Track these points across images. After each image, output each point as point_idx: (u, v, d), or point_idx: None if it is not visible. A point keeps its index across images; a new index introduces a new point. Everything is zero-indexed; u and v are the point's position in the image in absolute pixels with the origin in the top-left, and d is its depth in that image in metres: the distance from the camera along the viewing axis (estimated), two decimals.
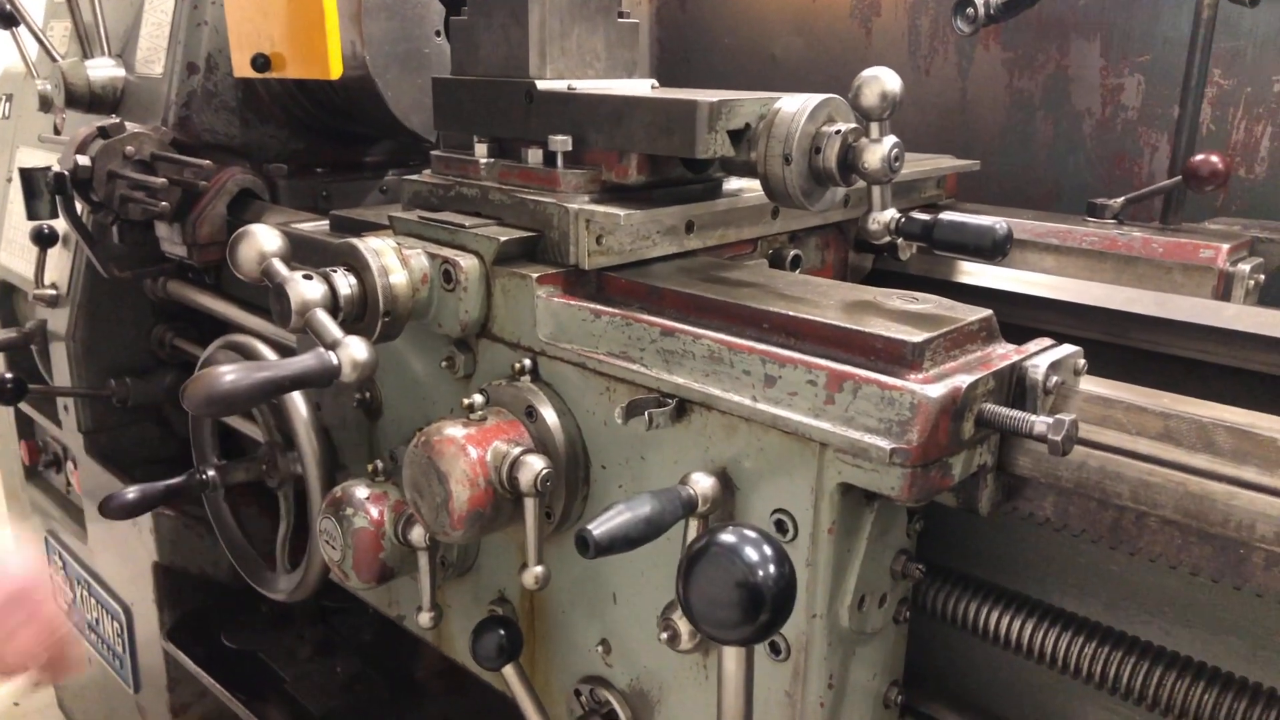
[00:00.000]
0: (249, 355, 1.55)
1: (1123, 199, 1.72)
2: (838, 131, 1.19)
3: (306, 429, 1.48)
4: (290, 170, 2.06)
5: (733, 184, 1.43)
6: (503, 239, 1.24)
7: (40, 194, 1.90)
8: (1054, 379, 1.00)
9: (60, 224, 2.09)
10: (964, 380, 0.94)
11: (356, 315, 1.23)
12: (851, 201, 1.53)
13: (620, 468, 1.18)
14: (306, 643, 2.21)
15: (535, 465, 1.13)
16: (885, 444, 0.91)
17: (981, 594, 1.14)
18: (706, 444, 1.08)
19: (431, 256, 1.26)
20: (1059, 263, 1.63)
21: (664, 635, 1.09)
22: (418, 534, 1.30)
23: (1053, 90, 2.19)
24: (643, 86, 1.45)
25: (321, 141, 2.14)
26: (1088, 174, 2.16)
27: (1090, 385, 1.03)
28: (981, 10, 2.02)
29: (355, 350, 1.14)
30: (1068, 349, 1.04)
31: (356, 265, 1.22)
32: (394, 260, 1.23)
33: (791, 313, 1.06)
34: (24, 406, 2.65)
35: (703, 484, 1.03)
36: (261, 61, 1.77)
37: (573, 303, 1.19)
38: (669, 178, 1.35)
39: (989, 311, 1.07)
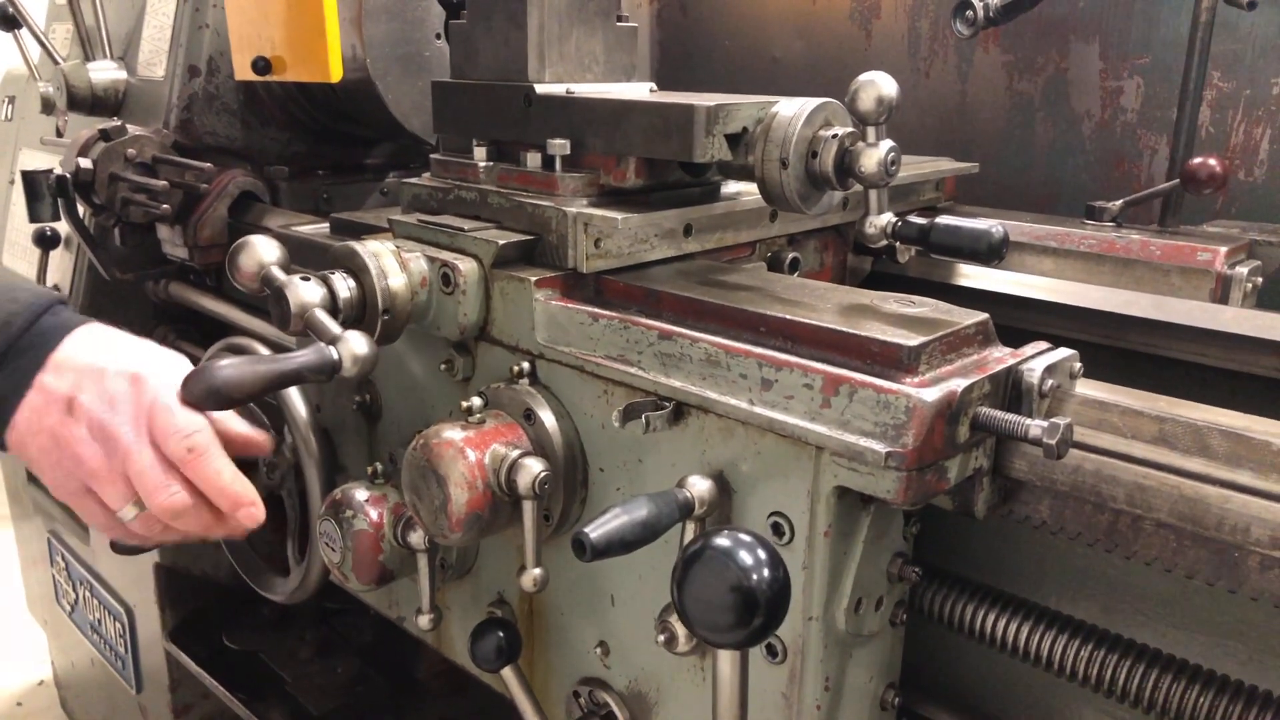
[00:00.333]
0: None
1: (1121, 202, 1.72)
2: (834, 135, 1.19)
3: (306, 431, 1.49)
4: (291, 172, 2.07)
5: (731, 187, 1.43)
6: (501, 242, 1.24)
7: (42, 196, 1.91)
8: (1049, 382, 1.00)
9: (62, 226, 2.10)
10: (959, 384, 0.95)
11: (355, 318, 1.23)
12: (850, 204, 1.54)
13: (618, 470, 1.18)
14: (308, 643, 2.22)
15: (533, 468, 1.14)
16: (881, 447, 0.92)
17: (978, 597, 1.14)
18: (704, 447, 1.08)
19: (430, 260, 1.26)
20: (1057, 265, 1.64)
21: (661, 638, 1.10)
22: (417, 536, 1.31)
23: (1052, 93, 2.19)
24: (641, 90, 1.45)
25: (322, 144, 2.14)
26: (1087, 176, 2.16)
27: (1086, 389, 1.03)
28: (981, 13, 2.03)
29: (355, 345, 1.15)
30: (1063, 352, 1.04)
31: (355, 268, 1.23)
32: (393, 263, 1.23)
33: (788, 316, 1.06)
34: None
35: (699, 487, 1.04)
36: (262, 65, 1.78)
37: (571, 306, 1.19)
38: (667, 181, 1.35)
39: (985, 315, 1.08)
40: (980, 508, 1.03)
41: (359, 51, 1.88)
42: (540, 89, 1.34)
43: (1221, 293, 1.49)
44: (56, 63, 2.19)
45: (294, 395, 1.50)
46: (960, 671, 1.26)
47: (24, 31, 2.23)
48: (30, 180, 1.90)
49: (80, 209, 1.93)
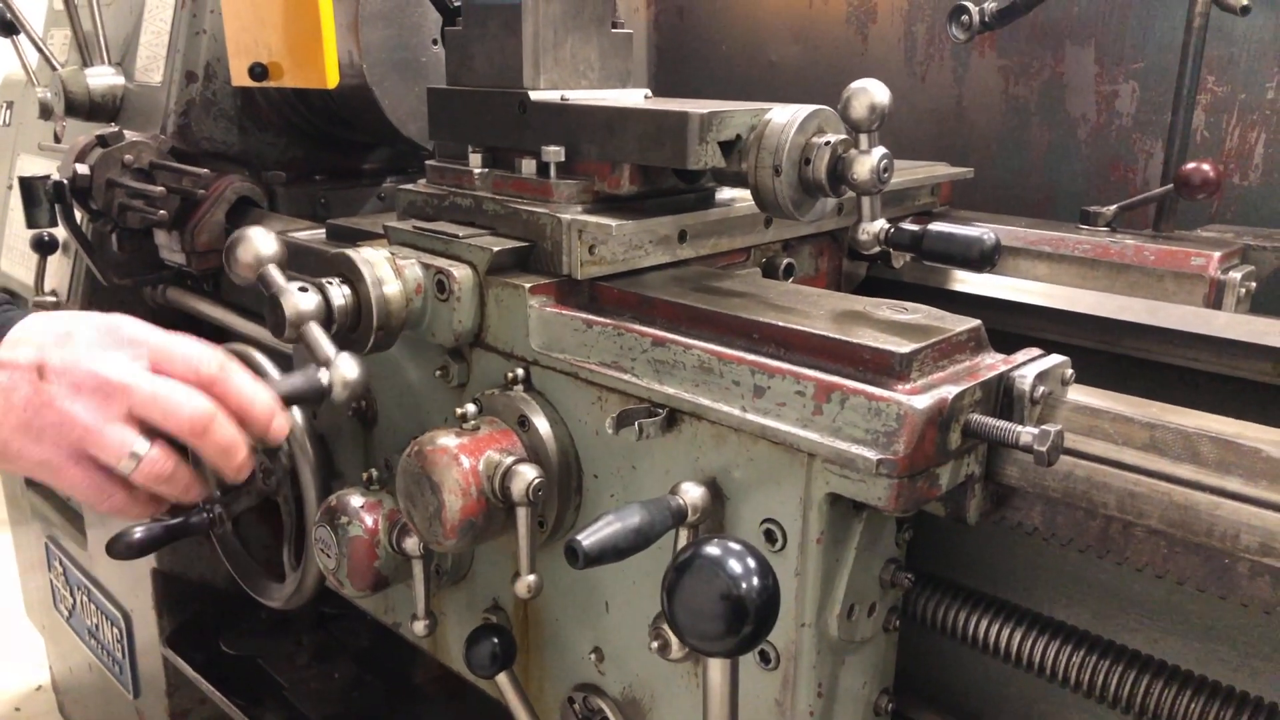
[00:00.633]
0: (246, 363, 1.55)
1: (1115, 207, 1.72)
2: (827, 143, 1.19)
3: (301, 437, 1.49)
4: (289, 178, 2.07)
5: (726, 193, 1.44)
6: (496, 249, 1.25)
7: (40, 202, 1.91)
8: (1041, 389, 1.01)
9: (60, 232, 2.10)
10: (951, 391, 0.95)
11: (350, 325, 1.24)
12: (845, 209, 1.54)
13: (612, 477, 1.19)
14: (305, 649, 2.22)
15: (527, 475, 1.14)
16: (872, 454, 0.92)
17: (971, 602, 1.14)
18: (697, 454, 1.08)
19: (425, 266, 1.27)
20: (1052, 270, 1.64)
21: (655, 644, 1.10)
22: (412, 543, 1.31)
23: (1048, 97, 2.20)
24: (635, 96, 1.45)
25: (320, 149, 2.15)
26: (1083, 180, 2.16)
27: (1078, 395, 1.03)
28: (976, 18, 2.03)
29: (346, 369, 1.16)
30: (1055, 359, 1.05)
31: (350, 275, 1.23)
32: (388, 270, 1.24)
33: (781, 323, 1.07)
34: None
35: (692, 494, 1.04)
36: (259, 71, 1.78)
37: (565, 313, 1.20)
38: (662, 188, 1.36)
39: (977, 322, 1.08)
40: (972, 514, 1.03)
41: (355, 57, 1.88)
42: (535, 96, 1.34)
43: (1215, 298, 1.49)
44: (54, 68, 2.19)
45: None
46: (954, 677, 1.26)
47: (22, 37, 2.24)
48: (28, 186, 1.90)
49: (78, 215, 1.94)
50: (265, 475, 1.64)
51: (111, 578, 2.49)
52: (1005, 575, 1.19)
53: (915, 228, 1.27)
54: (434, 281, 1.26)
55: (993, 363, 1.04)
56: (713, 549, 0.77)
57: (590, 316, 1.17)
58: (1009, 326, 1.58)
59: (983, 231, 1.24)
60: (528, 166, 1.33)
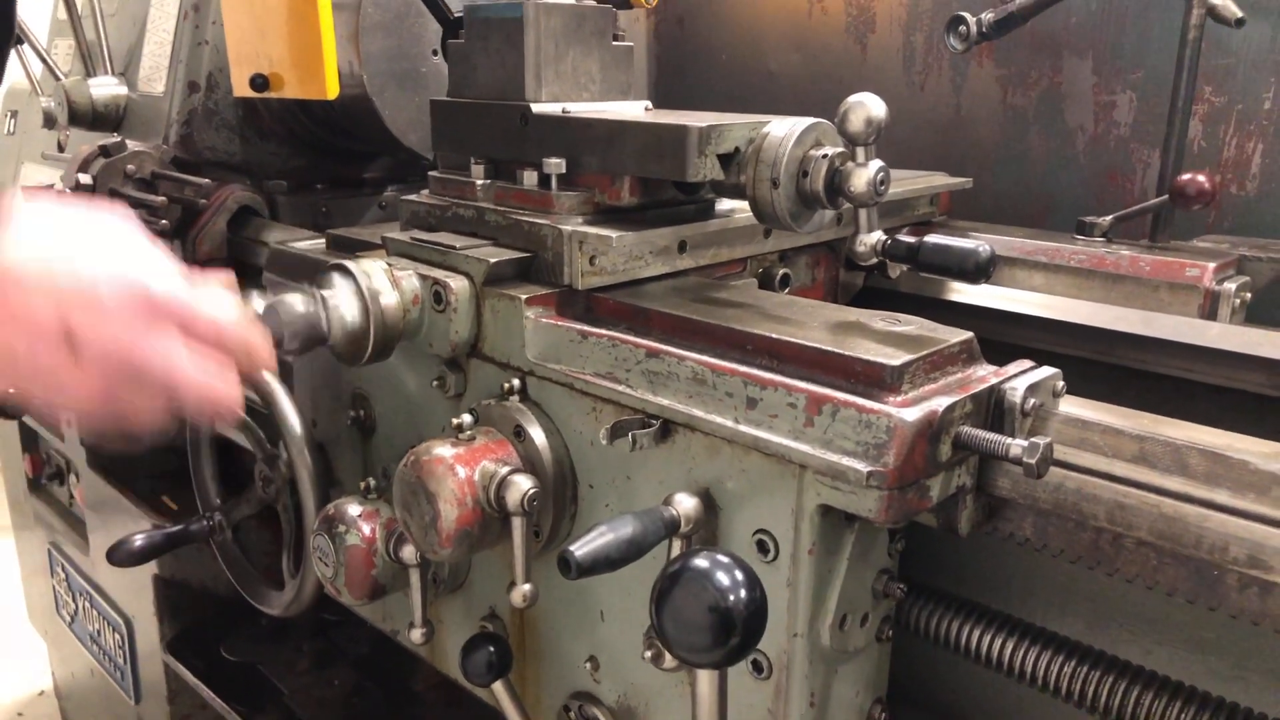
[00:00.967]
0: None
1: (1111, 217, 1.73)
2: (825, 155, 1.20)
3: (301, 445, 1.50)
4: (290, 187, 2.08)
5: (725, 204, 1.45)
6: (492, 260, 1.26)
7: None
8: (1032, 401, 1.01)
9: None
10: (941, 403, 0.96)
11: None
12: (844, 220, 1.54)
13: (607, 487, 1.19)
14: (305, 655, 2.23)
15: (522, 485, 1.15)
16: (862, 466, 0.93)
17: (964, 613, 1.15)
18: (690, 465, 1.09)
19: (423, 278, 1.28)
20: (1048, 281, 1.65)
21: (648, 654, 1.11)
22: (409, 551, 1.32)
23: (1046, 107, 2.20)
24: (636, 109, 1.46)
25: (321, 158, 2.16)
26: (1081, 190, 2.17)
27: (1069, 407, 1.04)
28: (974, 28, 2.04)
29: (345, 310, 1.19)
30: (1046, 371, 1.05)
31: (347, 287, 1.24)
32: (385, 281, 1.25)
33: (775, 335, 1.07)
34: (27, 419, 2.68)
35: (685, 504, 1.05)
36: (260, 82, 1.80)
37: (560, 324, 1.20)
38: (662, 199, 1.37)
39: (970, 334, 1.09)
40: (964, 525, 1.04)
41: (356, 68, 1.90)
42: (536, 108, 1.35)
43: (1210, 308, 1.50)
44: (58, 78, 2.21)
45: (289, 410, 1.51)
46: (948, 687, 1.26)
47: (26, 47, 2.25)
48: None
49: None
50: (265, 483, 1.65)
51: (113, 584, 2.50)
52: (998, 586, 1.19)
53: (911, 239, 1.28)
54: (431, 292, 1.27)
55: (984, 375, 1.05)
56: (701, 561, 0.77)
57: (585, 328, 1.18)
58: (1005, 337, 1.59)
59: (978, 243, 1.24)
60: (529, 178, 1.34)
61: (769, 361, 1.07)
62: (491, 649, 1.28)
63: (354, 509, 1.36)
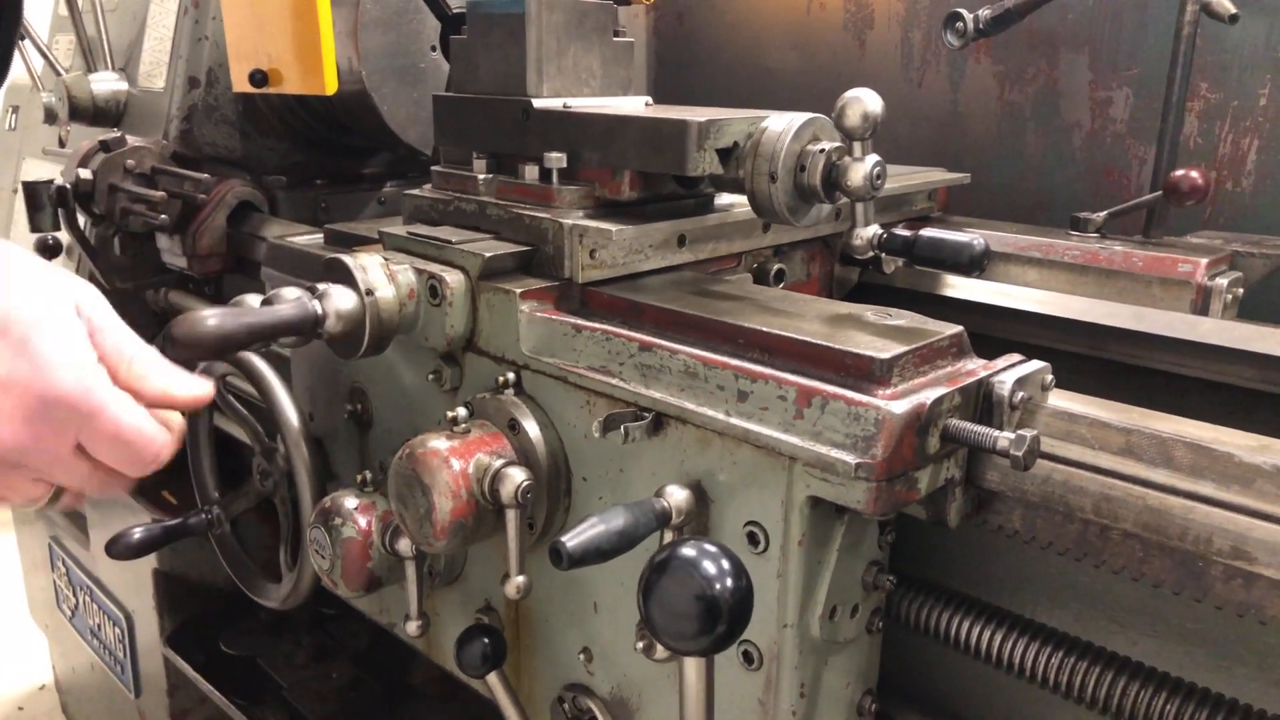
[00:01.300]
0: (243, 368, 1.58)
1: (1105, 213, 1.74)
2: (822, 150, 1.21)
3: (298, 438, 1.51)
4: (289, 182, 2.09)
5: (724, 198, 1.45)
6: (488, 255, 1.26)
7: (43, 206, 1.94)
8: (1020, 394, 1.02)
9: (63, 235, 2.13)
10: (929, 396, 0.96)
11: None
12: (842, 215, 1.55)
13: (601, 479, 1.20)
14: (304, 649, 2.24)
15: (516, 477, 1.16)
16: (850, 458, 0.93)
17: (954, 604, 1.15)
18: (682, 457, 1.10)
19: (419, 272, 1.29)
20: (1042, 276, 1.66)
21: (640, 645, 1.11)
22: (405, 544, 1.33)
23: (1042, 103, 2.21)
24: (636, 104, 1.47)
25: (321, 154, 2.17)
26: (1077, 186, 2.18)
27: (1057, 400, 1.05)
28: (971, 24, 2.05)
29: (339, 299, 1.17)
30: (1035, 365, 1.06)
31: (344, 280, 1.25)
32: (381, 276, 1.26)
33: (766, 329, 1.08)
34: None
35: (676, 496, 1.06)
36: (259, 77, 1.81)
37: (555, 317, 1.21)
38: (661, 193, 1.38)
39: (960, 328, 1.09)
40: (953, 517, 1.04)
41: (355, 63, 1.90)
42: (538, 103, 1.36)
43: (1202, 304, 1.50)
44: (59, 74, 2.22)
45: (287, 404, 1.52)
46: (938, 678, 1.27)
47: (27, 43, 2.26)
48: (31, 190, 1.93)
49: (81, 219, 1.96)
50: (263, 477, 1.66)
51: (113, 578, 2.51)
52: (988, 578, 1.20)
53: (907, 233, 1.28)
54: (427, 287, 1.28)
55: (973, 368, 1.06)
56: (687, 550, 0.78)
57: (579, 321, 1.19)
58: (999, 331, 1.59)
59: (972, 237, 1.25)
60: (530, 172, 1.36)
61: (760, 355, 1.07)
62: (486, 641, 1.28)
63: (350, 502, 1.37)
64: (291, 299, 1.19)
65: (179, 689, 2.33)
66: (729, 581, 0.77)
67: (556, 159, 1.32)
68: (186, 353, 1.08)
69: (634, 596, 1.19)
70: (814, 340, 1.04)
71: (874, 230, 1.28)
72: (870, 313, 1.16)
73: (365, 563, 1.35)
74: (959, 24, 2.06)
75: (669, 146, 1.24)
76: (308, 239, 1.72)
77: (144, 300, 2.15)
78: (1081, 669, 1.06)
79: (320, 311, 1.19)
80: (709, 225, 1.40)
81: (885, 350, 1.01)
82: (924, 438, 0.96)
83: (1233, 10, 1.69)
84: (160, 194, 1.86)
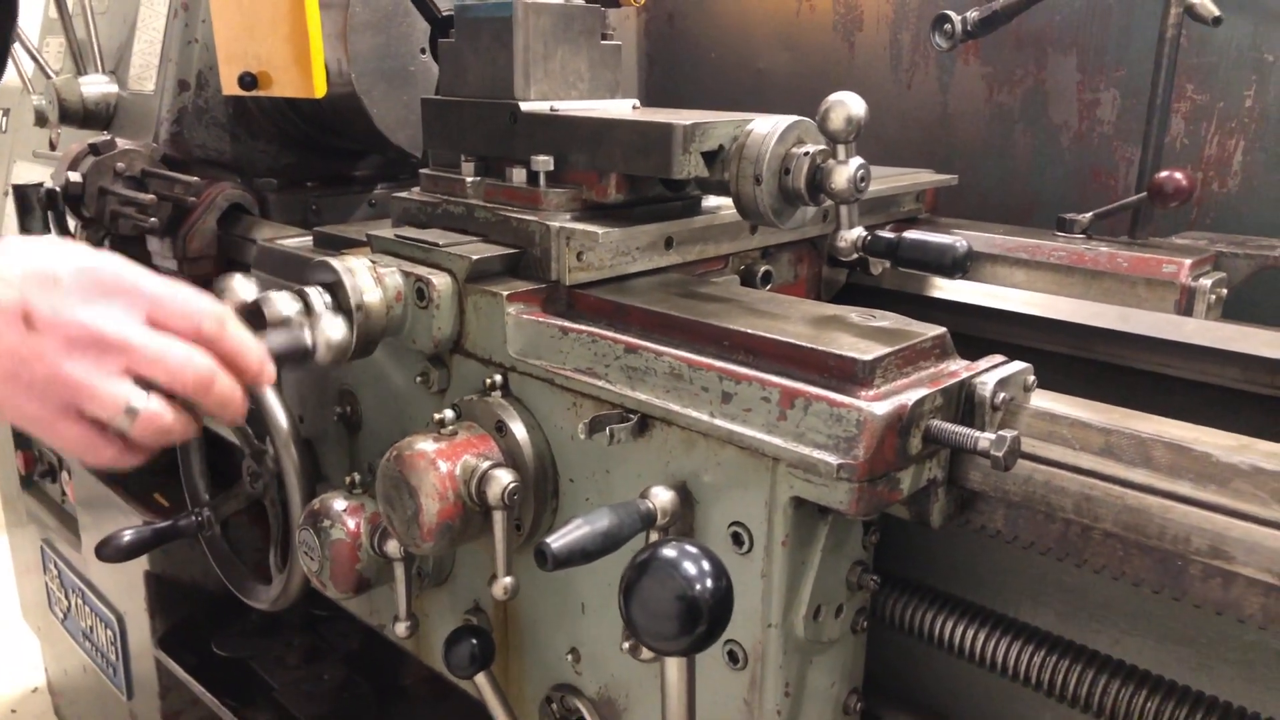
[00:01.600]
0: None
1: (1091, 214, 1.75)
2: (806, 153, 1.22)
3: (287, 441, 1.51)
4: (280, 184, 2.09)
5: (711, 201, 1.46)
6: (474, 257, 1.27)
7: (33, 209, 1.93)
8: (1002, 395, 1.03)
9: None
10: (911, 397, 0.97)
11: None
12: (829, 216, 1.56)
13: (587, 481, 1.21)
14: (295, 650, 2.24)
15: (503, 479, 1.16)
16: (833, 459, 0.94)
17: (938, 604, 1.16)
18: (667, 458, 1.11)
19: (405, 274, 1.29)
20: (1028, 277, 1.66)
21: (626, 645, 1.12)
22: (393, 545, 1.33)
23: (1031, 104, 2.22)
24: (624, 107, 1.48)
25: (311, 156, 2.17)
26: (1065, 187, 2.19)
27: (1039, 401, 1.06)
28: (959, 26, 2.06)
29: (330, 330, 1.18)
30: (1017, 365, 1.07)
31: (331, 283, 1.25)
32: (368, 279, 1.26)
33: (750, 330, 1.09)
34: None
35: (662, 497, 1.06)
36: (248, 80, 1.81)
37: (541, 319, 1.22)
38: (648, 196, 1.38)
39: (943, 329, 1.10)
40: (936, 518, 1.05)
41: (344, 66, 1.91)
42: (525, 107, 1.37)
43: (1186, 304, 1.51)
44: (49, 76, 2.22)
45: (276, 406, 1.52)
46: (923, 677, 1.28)
47: (17, 45, 2.26)
48: (21, 194, 1.93)
49: (71, 222, 1.96)
50: (253, 479, 1.66)
51: (105, 580, 2.51)
52: (973, 577, 1.21)
53: (891, 235, 1.29)
54: (414, 289, 1.28)
55: (956, 369, 1.07)
56: (668, 551, 0.79)
57: (566, 323, 1.20)
58: (985, 332, 1.60)
59: (955, 239, 1.26)
60: (518, 175, 1.36)
61: (745, 356, 1.08)
62: (474, 641, 1.29)
63: (339, 504, 1.37)
64: (281, 320, 1.19)
65: (171, 691, 2.34)
66: (709, 582, 0.77)
67: (544, 162, 1.32)
68: None
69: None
70: (798, 342, 1.05)
71: (858, 232, 1.28)
72: (855, 314, 1.17)
73: (354, 564, 1.36)
74: (947, 26, 2.07)
75: (655, 149, 1.25)
76: (296, 241, 1.72)
77: None
78: (1064, 667, 1.07)
79: (310, 344, 1.20)
80: (696, 227, 1.41)
81: (868, 352, 1.01)
82: (906, 438, 0.97)
83: (1216, 13, 1.70)
84: (150, 197, 1.86)
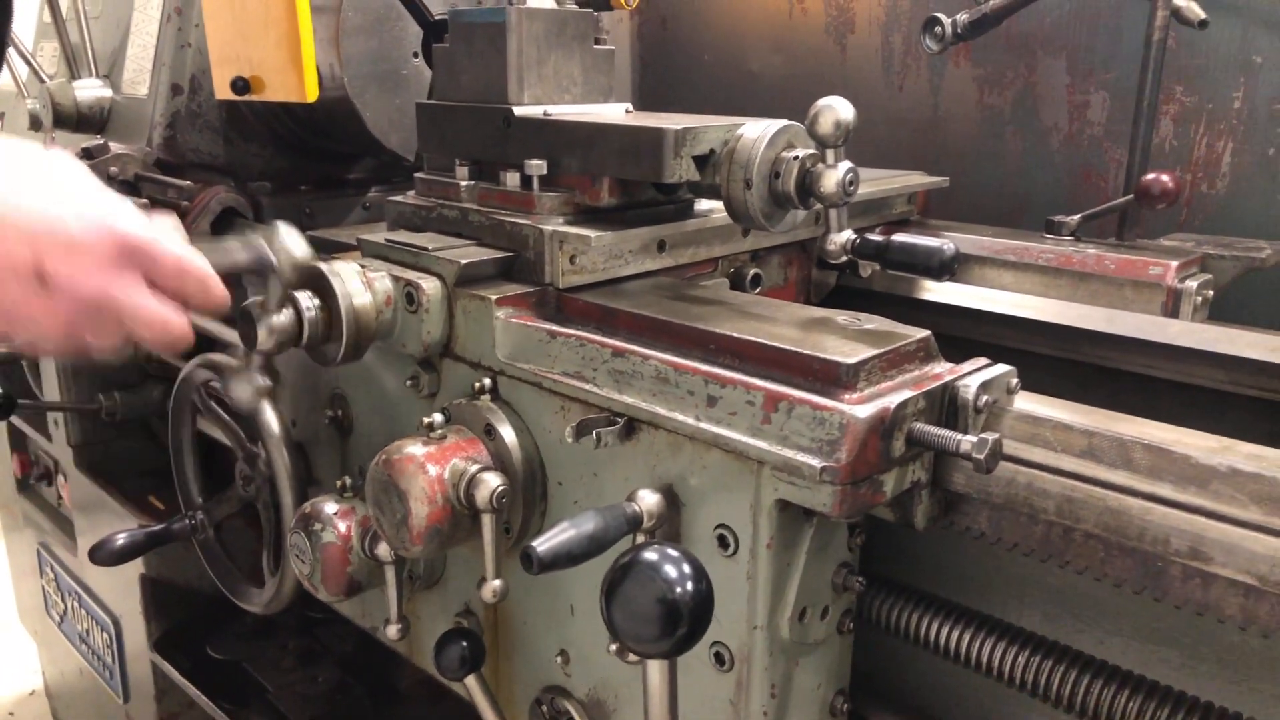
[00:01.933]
0: (224, 373, 1.59)
1: (1079, 216, 1.75)
2: (796, 157, 1.23)
3: (279, 444, 1.52)
4: (274, 188, 2.09)
5: (703, 204, 1.47)
6: (464, 261, 1.28)
7: None
8: (985, 398, 1.04)
9: None
10: (894, 400, 0.98)
11: (322, 336, 1.27)
12: (820, 220, 1.57)
13: (575, 484, 1.22)
14: (290, 653, 2.25)
15: (491, 482, 1.17)
16: (816, 462, 0.95)
17: (923, 605, 1.17)
18: (654, 462, 1.11)
19: (395, 279, 1.30)
20: (1017, 279, 1.67)
21: (613, 647, 1.13)
22: (384, 549, 1.34)
23: (1021, 106, 2.23)
24: (616, 111, 1.49)
25: (305, 160, 2.17)
26: (1055, 189, 2.20)
27: (1022, 403, 1.07)
28: (949, 29, 2.06)
29: (291, 245, 1.20)
30: (1001, 368, 1.08)
31: (321, 288, 1.26)
32: (358, 283, 1.27)
33: (736, 334, 1.10)
34: (15, 420, 2.70)
35: (648, 500, 1.07)
36: (241, 85, 1.81)
37: (530, 324, 1.23)
38: (641, 200, 1.39)
39: (927, 332, 1.11)
40: (920, 519, 1.06)
41: (337, 70, 1.91)
42: (519, 111, 1.38)
43: (1173, 306, 1.52)
44: (43, 80, 2.23)
45: (268, 411, 1.53)
46: (910, 678, 1.29)
47: (11, 49, 2.27)
48: None
49: None
50: (245, 482, 1.67)
51: (101, 584, 2.52)
52: (958, 579, 1.22)
53: (880, 238, 1.30)
54: (403, 293, 1.29)
55: (939, 372, 1.07)
56: (649, 554, 0.80)
57: (554, 327, 1.20)
58: (973, 334, 1.61)
59: (943, 242, 1.27)
60: (511, 179, 1.37)
61: (731, 360, 1.09)
62: (464, 644, 1.30)
63: (330, 507, 1.38)
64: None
65: (167, 694, 2.34)
66: (690, 585, 0.78)
67: (537, 166, 1.33)
68: None
69: None
70: (782, 345, 1.06)
71: (847, 235, 1.29)
72: (841, 317, 1.18)
73: (345, 567, 1.36)
74: (937, 28, 2.08)
75: (647, 154, 1.26)
76: None
77: None
78: (1049, 668, 1.08)
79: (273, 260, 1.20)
80: (688, 231, 1.42)
81: (852, 355, 1.02)
82: (888, 441, 0.97)
83: (1202, 16, 1.71)
84: (144, 201, 1.87)
